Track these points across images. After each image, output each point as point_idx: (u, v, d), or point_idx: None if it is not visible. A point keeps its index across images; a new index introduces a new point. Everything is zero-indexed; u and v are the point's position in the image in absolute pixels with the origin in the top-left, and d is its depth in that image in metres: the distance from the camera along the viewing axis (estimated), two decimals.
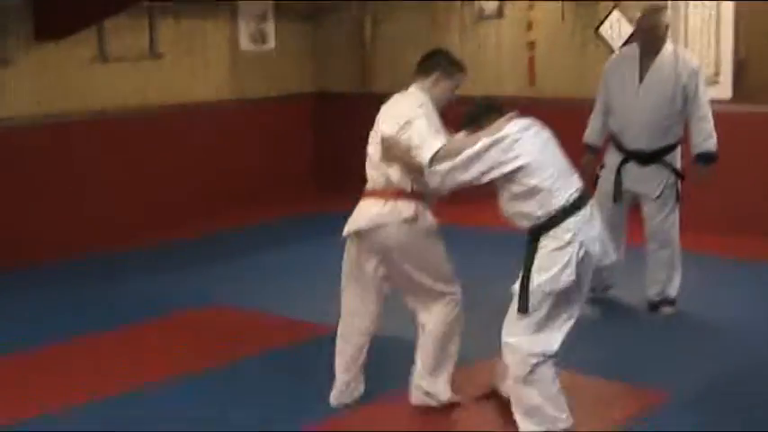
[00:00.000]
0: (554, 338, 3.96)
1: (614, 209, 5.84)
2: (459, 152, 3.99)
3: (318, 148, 10.33)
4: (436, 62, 4.44)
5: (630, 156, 5.81)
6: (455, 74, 4.45)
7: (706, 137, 5.71)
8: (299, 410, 4.59)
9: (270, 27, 9.93)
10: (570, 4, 8.68)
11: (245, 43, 9.75)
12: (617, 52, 6.59)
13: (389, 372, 4.82)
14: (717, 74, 7.99)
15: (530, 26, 8.93)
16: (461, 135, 4.16)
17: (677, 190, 5.82)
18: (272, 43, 9.97)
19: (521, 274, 3.96)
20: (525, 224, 3.99)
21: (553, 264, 3.88)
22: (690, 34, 8.10)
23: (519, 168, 3.89)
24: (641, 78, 5.75)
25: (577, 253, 3.87)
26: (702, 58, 8.05)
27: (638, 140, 5.78)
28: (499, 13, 9.14)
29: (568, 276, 3.87)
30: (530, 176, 3.90)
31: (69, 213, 8.20)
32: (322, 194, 9.72)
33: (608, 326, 5.77)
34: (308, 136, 10.37)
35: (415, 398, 4.55)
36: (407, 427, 4.49)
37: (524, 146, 3.93)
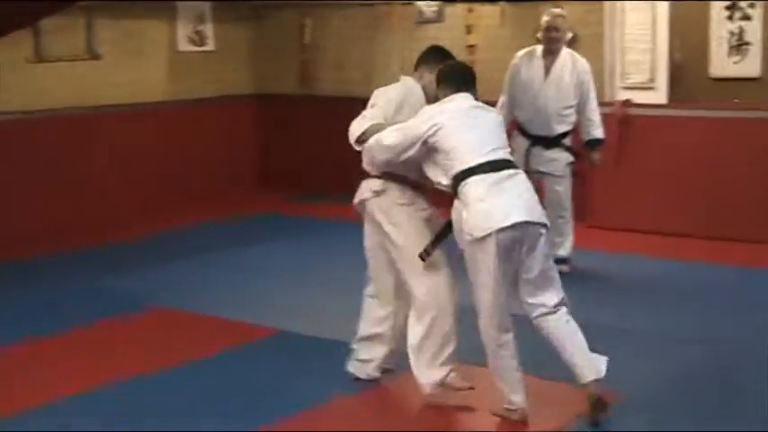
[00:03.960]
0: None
1: None
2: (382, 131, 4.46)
3: (263, 149, 10.24)
4: (422, 58, 4.82)
5: (536, 141, 6.67)
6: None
7: (596, 126, 6.71)
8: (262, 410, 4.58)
9: (208, 28, 9.89)
10: (509, 6, 8.71)
11: (183, 44, 9.70)
12: (519, 53, 6.87)
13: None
14: (652, 79, 8.10)
15: (469, 30, 8.97)
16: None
17: (573, 168, 6.78)
18: (210, 45, 9.91)
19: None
20: (444, 182, 4.38)
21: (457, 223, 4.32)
22: (627, 40, 8.19)
23: (435, 129, 4.29)
24: (546, 75, 6.62)
25: (462, 213, 4.23)
26: (639, 63, 8.17)
27: (543, 127, 6.65)
28: (439, 17, 9.17)
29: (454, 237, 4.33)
30: (444, 139, 4.28)
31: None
32: (265, 195, 9.64)
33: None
34: (249, 137, 10.29)
35: None
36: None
37: (438, 116, 4.36)
